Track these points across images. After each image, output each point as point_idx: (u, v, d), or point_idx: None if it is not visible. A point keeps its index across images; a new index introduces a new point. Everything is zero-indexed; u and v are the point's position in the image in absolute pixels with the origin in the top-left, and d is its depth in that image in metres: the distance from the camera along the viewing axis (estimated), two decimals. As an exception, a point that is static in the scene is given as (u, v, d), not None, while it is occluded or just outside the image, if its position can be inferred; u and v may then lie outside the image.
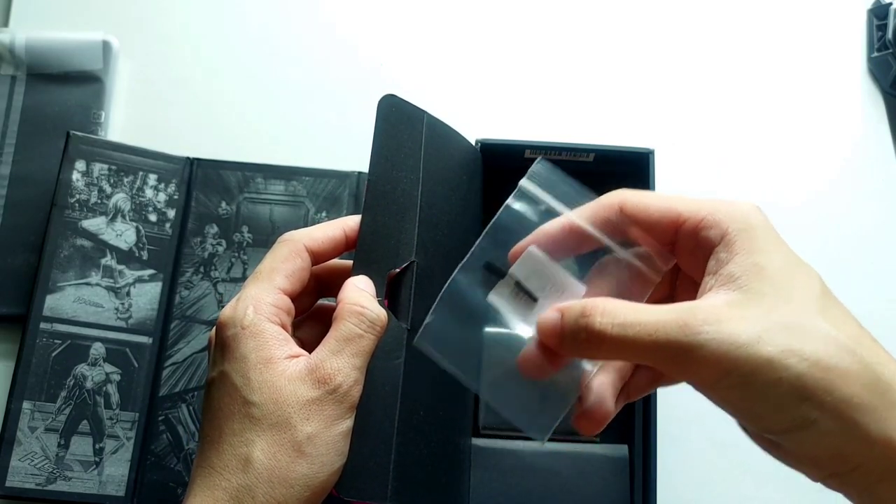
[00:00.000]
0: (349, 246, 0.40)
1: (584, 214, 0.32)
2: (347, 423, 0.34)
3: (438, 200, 0.43)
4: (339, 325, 0.35)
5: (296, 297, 0.38)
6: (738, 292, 0.27)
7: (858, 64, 0.65)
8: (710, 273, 0.29)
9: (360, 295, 0.36)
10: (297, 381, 0.34)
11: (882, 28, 0.64)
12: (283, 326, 0.36)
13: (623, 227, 0.32)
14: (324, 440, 0.33)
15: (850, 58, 0.65)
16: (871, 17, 0.65)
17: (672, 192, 0.34)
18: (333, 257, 0.40)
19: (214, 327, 0.37)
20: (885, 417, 0.25)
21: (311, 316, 0.41)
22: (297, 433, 0.33)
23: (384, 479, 0.35)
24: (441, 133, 0.45)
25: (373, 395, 0.36)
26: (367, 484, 0.35)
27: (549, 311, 0.29)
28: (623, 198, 0.31)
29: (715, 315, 0.26)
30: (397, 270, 0.39)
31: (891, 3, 0.63)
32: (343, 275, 0.40)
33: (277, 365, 0.34)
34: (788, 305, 0.27)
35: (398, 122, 0.42)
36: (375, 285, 0.38)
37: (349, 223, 0.40)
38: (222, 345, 0.35)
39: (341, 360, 0.34)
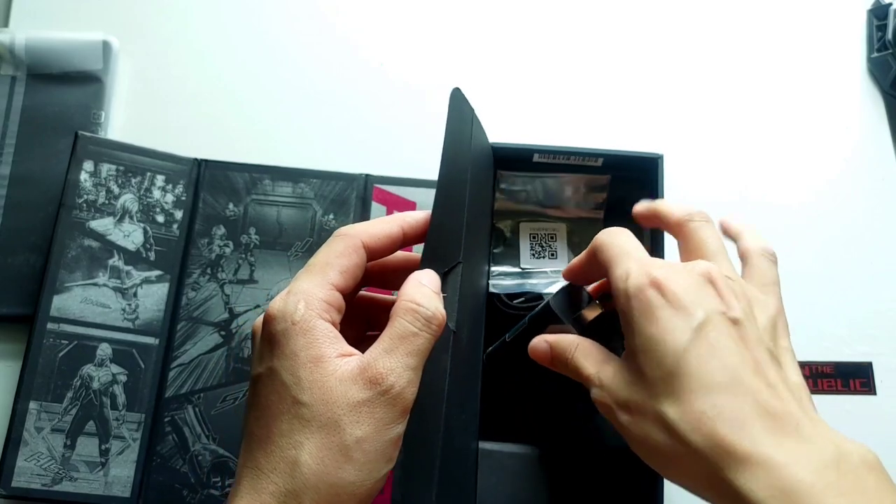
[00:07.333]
0: (405, 243, 0.38)
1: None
2: (399, 428, 0.32)
3: (476, 202, 0.43)
4: (394, 322, 0.33)
5: (347, 294, 0.36)
6: None
7: (858, 64, 0.66)
8: None
9: (416, 291, 0.34)
10: (348, 381, 0.32)
11: (882, 28, 0.64)
12: (334, 324, 0.34)
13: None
14: (372, 445, 0.31)
15: (850, 58, 0.66)
16: (871, 18, 0.66)
17: (679, 196, 0.35)
18: (388, 254, 0.39)
19: (260, 319, 0.35)
20: None
21: (352, 308, 0.39)
22: (345, 436, 0.31)
23: (393, 480, 0.35)
24: (478, 133, 0.44)
25: None
26: None
27: (540, 341, 0.40)
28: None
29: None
30: (445, 270, 0.38)
31: (891, 4, 0.64)
32: (397, 269, 0.39)
33: (328, 364, 0.32)
34: None
35: (458, 119, 0.41)
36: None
37: (408, 220, 0.38)
38: (270, 339, 0.33)
39: (394, 359, 0.32)
